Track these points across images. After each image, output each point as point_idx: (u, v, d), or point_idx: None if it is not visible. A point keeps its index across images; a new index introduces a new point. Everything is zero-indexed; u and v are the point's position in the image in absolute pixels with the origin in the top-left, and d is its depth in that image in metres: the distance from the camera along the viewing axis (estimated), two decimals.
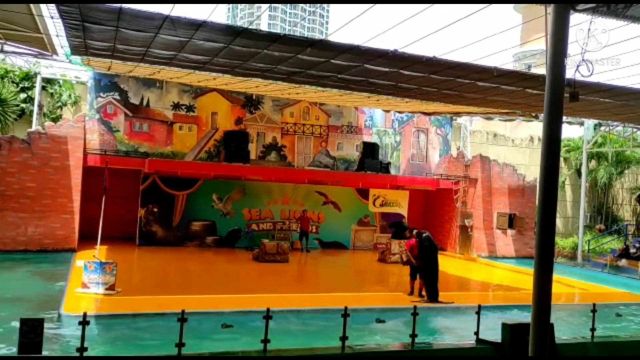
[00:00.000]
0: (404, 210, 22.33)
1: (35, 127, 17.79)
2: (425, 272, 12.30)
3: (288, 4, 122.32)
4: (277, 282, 14.23)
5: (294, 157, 21.56)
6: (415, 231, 13.20)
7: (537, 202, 5.29)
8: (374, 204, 22.15)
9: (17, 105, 18.73)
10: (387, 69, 10.80)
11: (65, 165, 16.83)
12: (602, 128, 24.26)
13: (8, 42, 13.69)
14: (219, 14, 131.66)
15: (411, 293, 12.60)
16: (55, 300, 10.43)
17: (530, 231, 22.15)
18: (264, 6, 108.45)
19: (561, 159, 26.39)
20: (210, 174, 19.69)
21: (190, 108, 20.10)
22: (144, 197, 19.00)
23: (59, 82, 19.56)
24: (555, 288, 6.59)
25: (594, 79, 8.15)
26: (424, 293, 12.34)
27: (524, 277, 15.87)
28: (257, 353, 6.27)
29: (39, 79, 18.88)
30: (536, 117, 16.78)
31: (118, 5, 7.95)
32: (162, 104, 19.77)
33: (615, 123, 21.98)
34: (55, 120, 18.46)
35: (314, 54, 10.00)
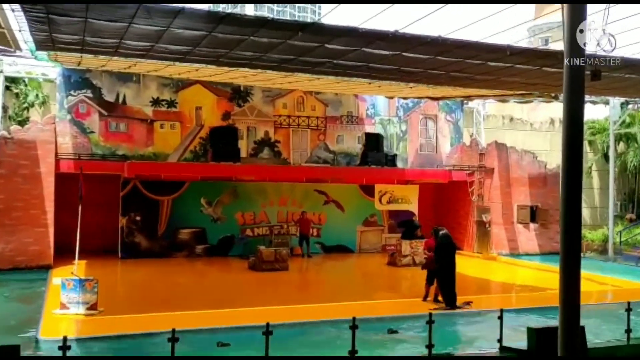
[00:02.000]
0: (414, 207, 22.33)
1: (0, 132, 17.80)
2: (441, 275, 12.30)
3: None
4: (277, 292, 14.27)
5: (290, 153, 21.55)
6: (433, 228, 13.24)
7: (560, 191, 5.33)
8: (380, 201, 22.16)
9: None
10: (388, 52, 10.82)
11: (35, 173, 16.83)
12: (630, 106, 24.27)
13: None
14: None
15: (425, 298, 12.61)
16: (32, 323, 10.44)
17: (555, 224, 22.16)
18: None
19: (585, 143, 26.42)
20: (197, 176, 19.68)
21: (171, 103, 20.09)
22: (125, 204, 19.01)
23: (24, 81, 19.56)
24: (585, 286, 6.62)
25: (617, 52, 8.17)
26: (440, 298, 12.36)
27: (550, 276, 15.90)
28: None
29: (1, 78, 18.84)
30: (556, 98, 16.78)
31: None
32: (140, 100, 19.75)
33: None
34: (22, 123, 18.44)
35: (306, 38, 10.02)
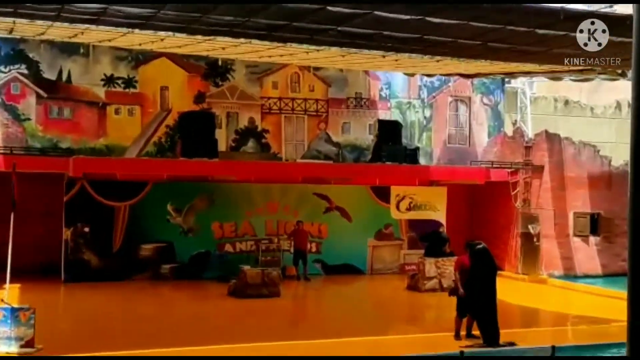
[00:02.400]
0: (441, 215, 22.38)
1: None
2: (476, 303, 12.27)
3: None
4: (266, 325, 14.30)
5: (281, 145, 21.60)
6: (467, 243, 13.23)
7: (628, 195, 5.33)
8: (398, 207, 22.20)
9: None
10: (407, 17, 10.83)
11: None
12: None
13: None
14: None
15: (458, 336, 12.51)
16: None
17: (622, 237, 22.22)
18: None
19: None
20: (163, 175, 19.70)
21: (129, 82, 20.12)
22: (70, 211, 19.01)
23: None
24: None
25: None
26: (475, 332, 12.36)
27: (615, 304, 15.92)
28: None
29: None
30: (623, 75, 16.81)
31: None
32: (89, 77, 19.79)
33: None
34: None
35: None
